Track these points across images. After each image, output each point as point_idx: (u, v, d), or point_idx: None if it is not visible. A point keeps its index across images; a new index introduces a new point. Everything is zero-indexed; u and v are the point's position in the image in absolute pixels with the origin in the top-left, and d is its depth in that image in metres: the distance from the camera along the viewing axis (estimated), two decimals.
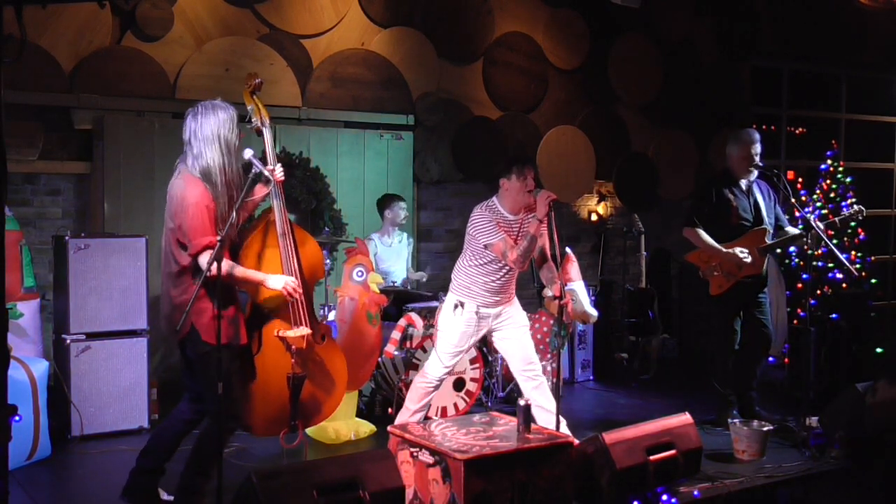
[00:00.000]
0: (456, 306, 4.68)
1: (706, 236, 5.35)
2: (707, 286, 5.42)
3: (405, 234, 6.57)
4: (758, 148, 5.41)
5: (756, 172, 5.47)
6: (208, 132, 3.66)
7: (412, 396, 4.80)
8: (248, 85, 4.04)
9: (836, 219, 5.57)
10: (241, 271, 3.76)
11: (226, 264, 3.58)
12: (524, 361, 4.73)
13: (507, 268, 4.62)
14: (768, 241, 5.37)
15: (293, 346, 3.89)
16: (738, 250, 5.26)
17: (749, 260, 5.26)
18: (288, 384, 3.93)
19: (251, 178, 3.73)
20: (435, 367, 4.76)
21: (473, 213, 4.68)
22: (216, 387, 3.52)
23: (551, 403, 4.61)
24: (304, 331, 3.91)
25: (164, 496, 4.00)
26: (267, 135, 4.03)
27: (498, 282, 4.64)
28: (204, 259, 3.59)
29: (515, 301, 4.85)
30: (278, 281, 3.80)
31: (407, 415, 4.76)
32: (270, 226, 3.99)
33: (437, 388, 4.81)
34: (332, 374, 4.21)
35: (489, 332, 4.83)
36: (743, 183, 5.46)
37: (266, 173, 3.85)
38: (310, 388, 4.06)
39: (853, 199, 7.76)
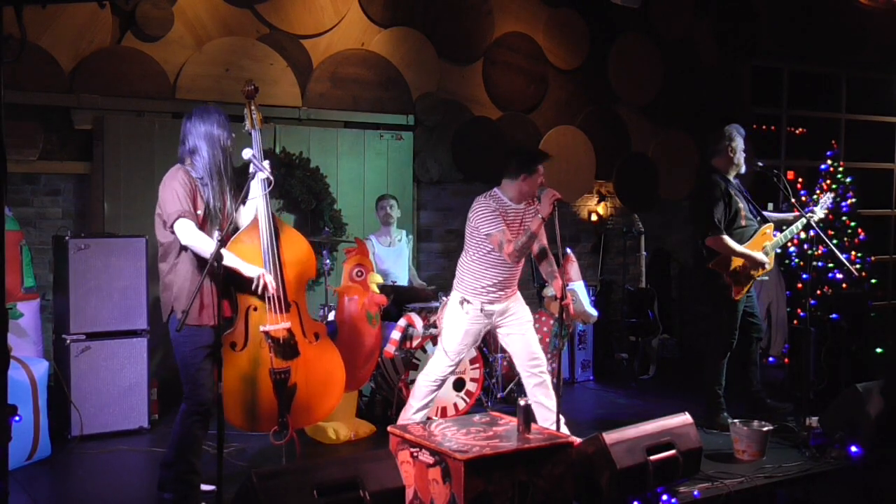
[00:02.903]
0: (461, 303, 4.68)
1: (733, 242, 5.25)
2: (722, 290, 5.33)
3: (404, 233, 6.55)
4: (743, 143, 5.43)
5: (743, 168, 5.47)
6: (201, 130, 3.96)
7: (416, 394, 4.80)
8: (243, 91, 4.25)
9: (818, 210, 5.56)
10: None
11: (211, 244, 3.75)
12: (529, 357, 4.72)
13: (509, 265, 4.62)
14: (774, 237, 5.38)
15: (272, 339, 3.97)
16: (760, 256, 5.27)
17: (770, 265, 5.30)
18: (271, 378, 3.99)
19: (250, 177, 3.90)
20: (440, 364, 4.75)
21: (476, 203, 4.67)
22: (186, 367, 3.88)
23: (552, 401, 4.62)
24: (284, 324, 4.02)
25: (205, 487, 4.03)
26: (255, 138, 4.18)
27: (502, 276, 4.63)
28: (180, 229, 3.80)
29: (519, 296, 4.84)
30: (254, 270, 3.94)
31: (410, 412, 4.76)
32: (254, 223, 4.09)
33: (440, 385, 4.81)
34: (327, 373, 4.22)
35: (493, 328, 4.82)
36: (735, 182, 5.47)
37: (266, 173, 3.99)
38: (301, 385, 4.10)
39: (853, 200, 7.77)
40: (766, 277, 5.48)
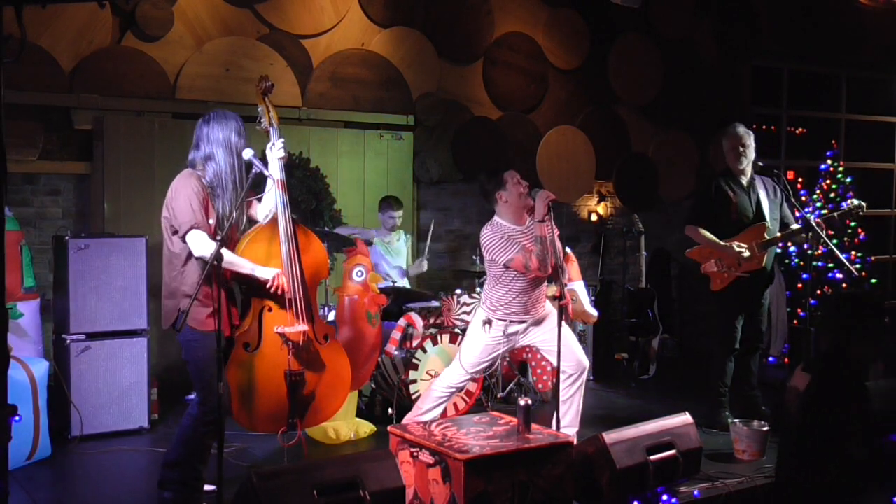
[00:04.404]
0: (485, 323, 4.66)
1: (705, 232, 5.34)
2: (707, 284, 5.40)
3: (402, 231, 6.57)
4: (745, 139, 5.39)
5: (752, 169, 5.44)
6: (219, 136, 3.87)
7: (426, 397, 4.78)
8: (258, 87, 4.14)
9: (836, 213, 5.51)
10: (230, 258, 3.78)
11: (215, 250, 3.67)
12: (568, 359, 4.60)
13: (535, 279, 4.55)
14: (767, 236, 5.34)
15: (290, 342, 3.94)
16: (735, 245, 5.26)
17: (747, 255, 5.25)
18: (285, 381, 3.97)
19: (251, 177, 3.83)
20: (455, 374, 4.74)
21: (482, 236, 4.60)
22: (200, 374, 3.82)
23: (579, 404, 4.67)
24: (302, 327, 3.97)
25: (206, 487, 4.02)
26: (275, 139, 4.08)
27: (528, 297, 4.59)
28: (193, 240, 3.75)
29: (545, 306, 4.77)
30: (268, 272, 3.88)
31: (416, 414, 4.75)
32: (273, 226, 4.02)
33: (452, 394, 4.80)
34: (335, 374, 4.21)
35: (525, 345, 4.81)
36: (744, 180, 5.43)
37: (267, 173, 3.96)
38: (312, 387, 4.08)
39: (853, 199, 7.76)
40: (748, 275, 5.39)
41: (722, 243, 5.29)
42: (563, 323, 4.72)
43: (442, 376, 4.81)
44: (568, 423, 4.63)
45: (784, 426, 4.07)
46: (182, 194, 3.79)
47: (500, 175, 4.60)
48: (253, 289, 3.97)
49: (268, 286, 3.88)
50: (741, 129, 5.43)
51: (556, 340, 4.58)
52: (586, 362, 4.70)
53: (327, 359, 4.15)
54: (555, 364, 4.57)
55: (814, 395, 3.55)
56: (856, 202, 5.49)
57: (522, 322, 4.64)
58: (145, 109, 6.12)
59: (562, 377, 4.64)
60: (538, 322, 4.69)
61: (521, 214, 4.61)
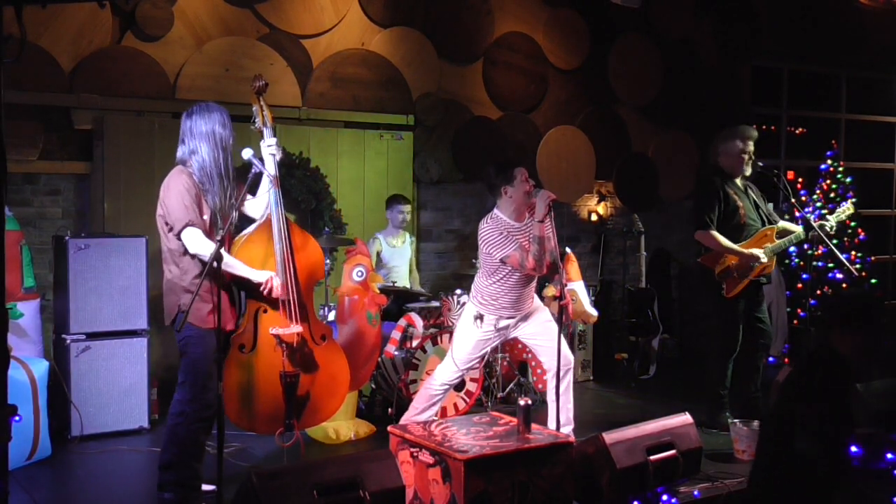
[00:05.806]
0: (476, 318, 4.66)
1: (722, 238, 5.22)
2: (714, 288, 5.31)
3: (407, 234, 6.58)
4: (752, 144, 5.36)
5: (750, 170, 5.41)
6: (202, 129, 3.86)
7: (421, 396, 4.79)
8: (252, 87, 4.15)
9: (832, 219, 5.47)
10: (226, 259, 3.79)
11: (215, 250, 3.67)
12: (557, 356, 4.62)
13: (528, 276, 4.57)
14: (777, 240, 5.32)
15: (285, 343, 3.95)
16: (754, 251, 5.21)
17: (766, 260, 5.22)
18: (281, 382, 3.97)
19: (251, 177, 3.85)
20: (447, 371, 4.74)
21: (481, 229, 4.61)
22: (195, 370, 3.84)
23: (570, 402, 4.68)
24: (296, 328, 3.98)
25: (206, 487, 4.02)
26: (268, 136, 4.08)
27: (519, 293, 4.60)
28: (188, 238, 3.76)
29: (535, 302, 4.80)
30: (262, 275, 3.90)
31: (412, 413, 4.76)
32: (269, 226, 4.03)
33: (446, 391, 4.80)
34: (333, 374, 4.22)
35: (513, 338, 4.83)
36: (739, 182, 5.41)
37: (266, 172, 4.00)
38: (309, 388, 4.08)
39: (853, 199, 7.77)
40: (765, 280, 5.38)
41: (744, 250, 5.21)
42: (551, 320, 4.75)
43: (435, 374, 4.82)
44: (563, 421, 4.63)
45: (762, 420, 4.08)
46: (173, 192, 3.80)
47: (510, 170, 4.60)
48: (249, 290, 3.98)
49: (261, 289, 3.89)
50: (753, 132, 5.33)
51: (542, 333, 4.68)
52: (571, 357, 4.72)
53: (323, 359, 4.15)
54: (540, 360, 4.59)
55: (787, 387, 3.55)
56: (844, 205, 5.47)
57: (512, 317, 4.66)
58: (145, 109, 6.12)
59: (549, 375, 4.67)
60: (526, 317, 4.71)
61: (523, 212, 4.62)
